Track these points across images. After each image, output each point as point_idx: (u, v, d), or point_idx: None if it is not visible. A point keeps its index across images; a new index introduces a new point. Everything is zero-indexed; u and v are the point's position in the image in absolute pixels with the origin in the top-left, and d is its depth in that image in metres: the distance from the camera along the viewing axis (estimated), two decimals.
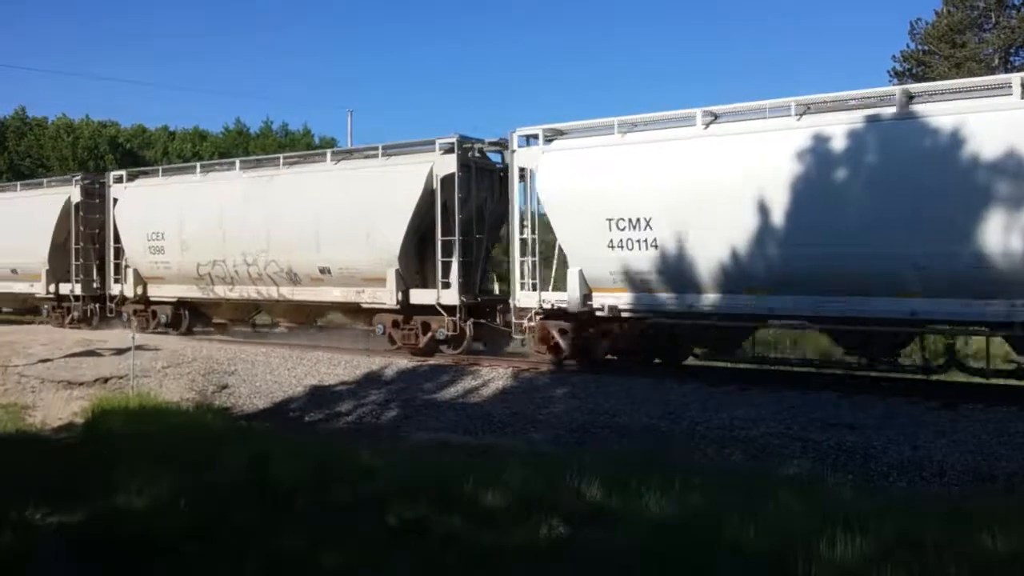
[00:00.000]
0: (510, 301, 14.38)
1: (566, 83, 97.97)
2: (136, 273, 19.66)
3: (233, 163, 18.94)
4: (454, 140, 14.82)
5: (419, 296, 15.21)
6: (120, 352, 16.06)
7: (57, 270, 21.51)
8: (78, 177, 22.06)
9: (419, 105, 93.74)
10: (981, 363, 11.88)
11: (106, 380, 14.72)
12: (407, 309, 15.34)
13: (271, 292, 17.42)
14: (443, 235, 14.79)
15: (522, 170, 14.15)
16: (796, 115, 11.54)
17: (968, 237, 10.10)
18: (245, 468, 7.54)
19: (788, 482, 7.52)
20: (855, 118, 11.07)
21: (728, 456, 9.47)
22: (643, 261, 12.52)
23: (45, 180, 24.01)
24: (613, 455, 8.76)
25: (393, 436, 10.91)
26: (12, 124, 51.41)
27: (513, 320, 14.34)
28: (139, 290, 19.70)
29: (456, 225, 14.62)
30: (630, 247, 12.58)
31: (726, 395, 11.44)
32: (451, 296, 14.75)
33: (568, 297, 13.33)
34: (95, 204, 21.21)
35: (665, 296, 12.61)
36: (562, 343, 13.83)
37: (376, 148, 16.16)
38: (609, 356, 14.12)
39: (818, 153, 11.16)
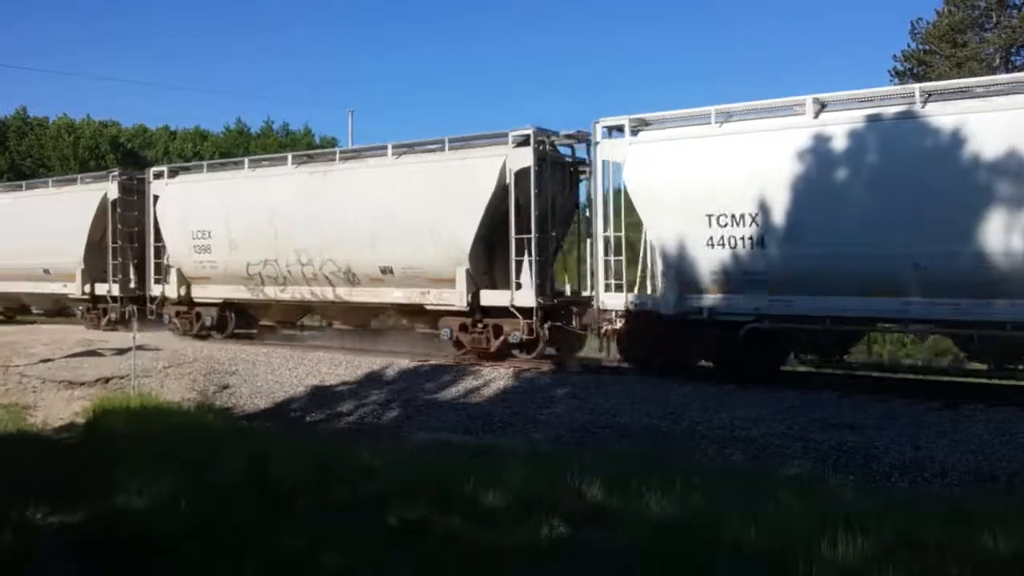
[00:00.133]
0: (593, 303, 13.71)
1: (566, 82, 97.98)
2: (179, 273, 18.84)
3: (284, 158, 18.10)
4: (530, 132, 14.07)
5: (491, 297, 14.47)
6: (121, 352, 16.08)
7: (93, 270, 20.75)
8: (115, 173, 21.22)
9: (420, 105, 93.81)
10: None
11: (107, 380, 14.73)
12: (476, 311, 14.63)
13: (326, 293, 16.62)
14: (517, 232, 14.03)
15: (604, 163, 13.44)
16: (920, 102, 10.77)
17: None
18: (245, 468, 7.54)
19: (789, 482, 7.52)
20: (997, 104, 10.31)
21: (729, 456, 9.46)
22: (747, 260, 11.72)
23: (79, 177, 23.17)
24: (614, 455, 8.75)
25: (394, 436, 10.90)
26: (13, 124, 51.50)
27: (594, 323, 13.68)
28: (182, 291, 18.89)
29: (533, 222, 13.92)
30: (732, 244, 11.80)
31: (726, 395, 11.43)
32: (527, 297, 13.97)
33: (661, 298, 12.58)
34: (133, 201, 20.45)
35: (772, 298, 11.72)
36: (650, 349, 13.05)
37: (441, 141, 15.35)
38: (703, 363, 13.27)
39: (955, 144, 10.31)
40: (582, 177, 15.17)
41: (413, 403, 12.60)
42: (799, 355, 13.13)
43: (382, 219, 15.28)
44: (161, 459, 7.86)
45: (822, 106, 11.58)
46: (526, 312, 14.01)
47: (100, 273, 20.69)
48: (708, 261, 12.07)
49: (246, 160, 18.92)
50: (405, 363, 14.66)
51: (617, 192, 13.56)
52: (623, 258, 13.28)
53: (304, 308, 18.53)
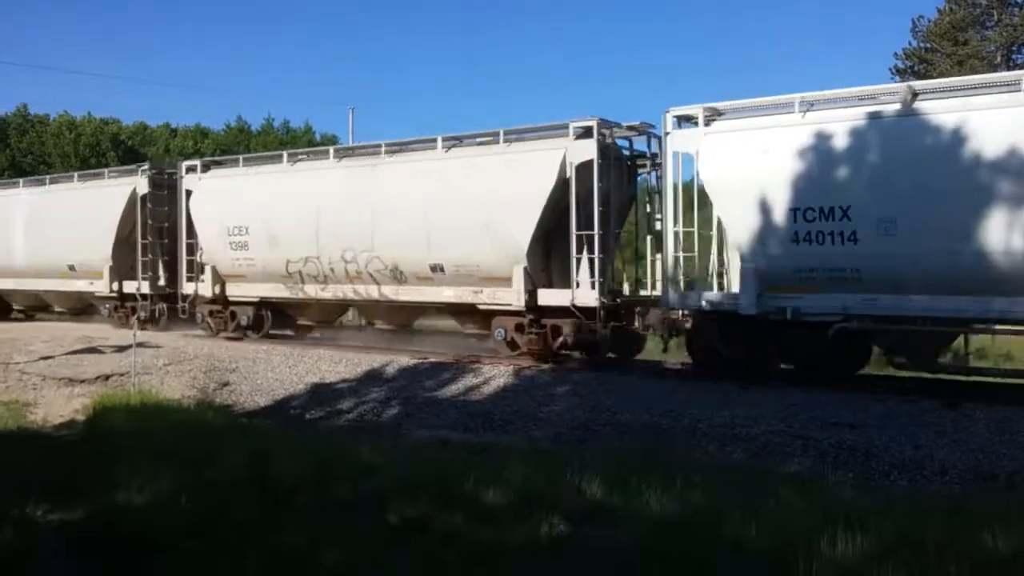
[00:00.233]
0: (661, 302, 13.04)
1: (567, 82, 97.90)
2: (214, 271, 18.04)
3: (326, 151, 17.41)
4: (592, 123, 13.38)
5: (549, 297, 13.78)
6: (121, 349, 16.07)
7: (120, 267, 19.97)
8: (144, 167, 20.45)
9: (419, 105, 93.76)
10: None
11: (107, 377, 14.74)
12: (533, 311, 13.98)
13: (371, 292, 15.91)
14: (578, 229, 13.39)
15: (675, 154, 12.82)
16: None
17: None
18: (246, 465, 7.55)
19: (789, 480, 7.52)
20: None
21: (729, 454, 9.47)
22: (837, 257, 11.07)
23: (106, 171, 22.47)
24: (614, 452, 8.76)
25: (394, 434, 10.91)
26: (14, 121, 51.59)
27: (659, 324, 13.05)
28: (217, 289, 18.10)
29: (595, 218, 13.26)
30: (820, 240, 11.14)
31: (727, 393, 11.43)
32: (588, 296, 13.31)
33: (739, 297, 11.86)
34: (163, 196, 19.67)
35: (863, 297, 11.06)
36: (724, 351, 12.38)
37: (495, 134, 14.66)
38: (784, 366, 12.54)
39: None
40: (640, 171, 14.73)
41: (413, 401, 12.60)
42: (890, 357, 12.47)
43: (433, 215, 14.66)
44: (161, 456, 7.87)
45: (914, 94, 11.01)
46: (588, 312, 13.36)
47: (128, 270, 20.00)
48: (792, 258, 11.46)
49: (284, 154, 18.13)
50: (405, 360, 14.65)
51: (687, 185, 13.05)
52: (695, 255, 12.71)
53: (343, 307, 18.02)
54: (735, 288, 12.14)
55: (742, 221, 11.86)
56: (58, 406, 13.59)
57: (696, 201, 12.90)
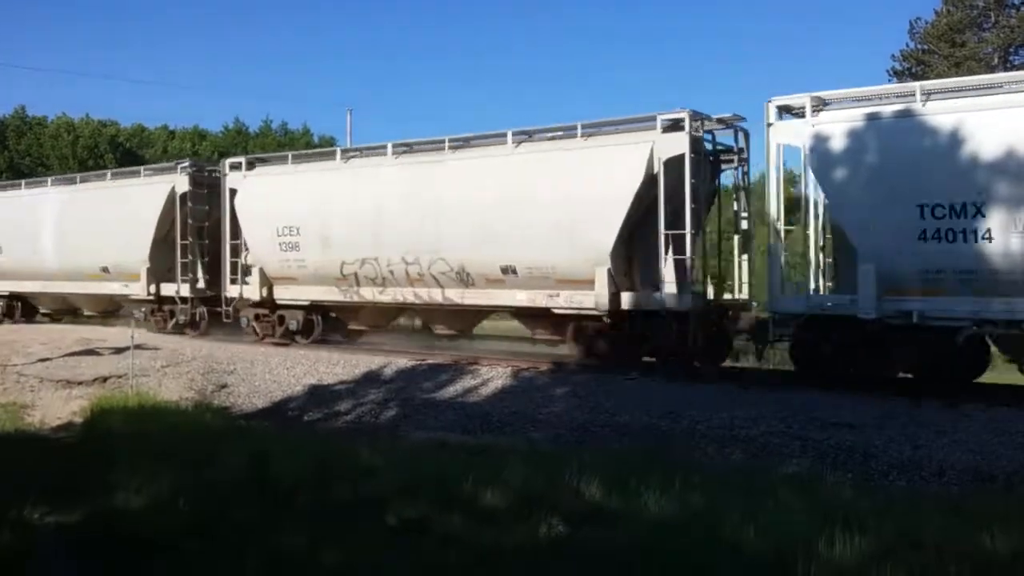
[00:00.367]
0: (769, 305, 12.25)
1: (566, 81, 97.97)
2: (262, 273, 17.28)
3: (383, 148, 16.28)
4: (684, 115, 12.68)
5: (633, 300, 13.01)
6: (119, 351, 16.04)
7: (158, 269, 19.05)
8: (184, 164, 19.59)
9: (419, 105, 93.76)
10: None
11: (105, 379, 14.69)
12: (614, 315, 13.24)
13: (433, 295, 15.11)
14: (667, 228, 12.73)
15: (779, 147, 12.14)
16: None
17: None
18: (245, 466, 7.55)
19: (788, 481, 7.53)
20: None
21: (728, 455, 9.46)
22: (969, 256, 10.35)
23: (142, 169, 21.46)
24: (613, 454, 8.76)
25: (392, 435, 10.90)
26: (12, 123, 51.58)
27: (754, 329, 12.44)
28: (264, 292, 17.31)
29: (687, 216, 12.59)
30: (951, 239, 10.40)
31: (726, 394, 11.43)
32: (679, 299, 12.61)
33: (856, 300, 10.98)
34: (203, 194, 18.85)
35: (1000, 301, 10.31)
36: (836, 358, 11.57)
37: (571, 127, 13.87)
38: (903, 374, 11.89)
39: None
40: (724, 166, 14.06)
41: (411, 402, 12.59)
42: (1020, 365, 11.66)
43: (503, 214, 13.89)
44: (160, 457, 7.86)
45: None
46: (678, 317, 12.64)
47: (165, 272, 19.08)
48: (919, 258, 10.67)
49: (338, 150, 17.38)
50: (403, 362, 14.64)
51: (791, 180, 12.38)
52: (813, 254, 11.94)
53: (396, 311, 17.16)
54: (852, 291, 11.28)
55: (859, 217, 11.12)
56: (56, 408, 13.56)
57: (807, 197, 12.10)
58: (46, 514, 6.43)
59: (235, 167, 18.32)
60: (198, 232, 18.90)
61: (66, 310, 23.16)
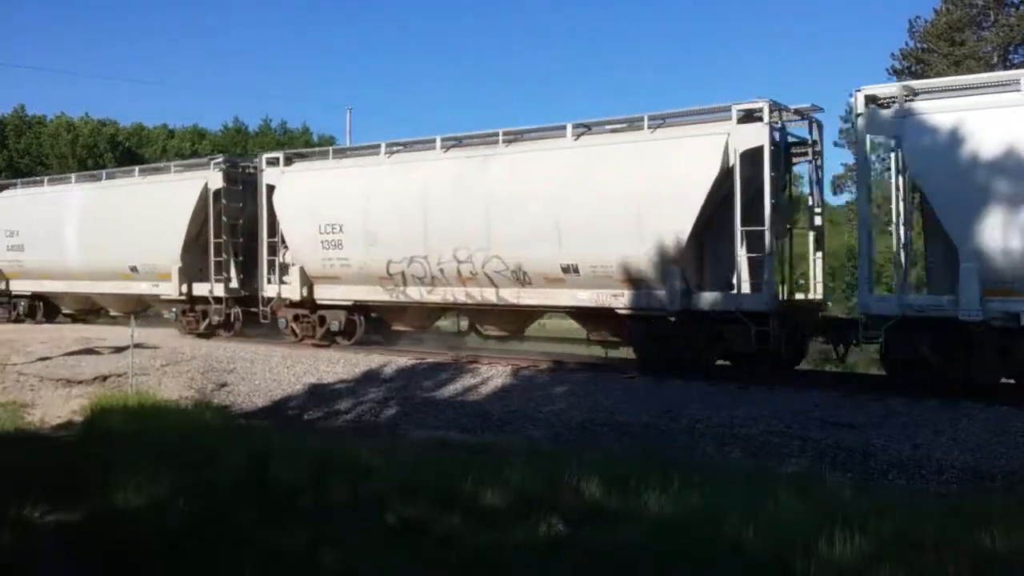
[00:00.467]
0: (860, 306, 11.48)
1: (565, 80, 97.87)
2: (302, 272, 16.52)
3: (432, 141, 15.46)
4: (762, 105, 11.96)
5: (708, 300, 12.35)
6: (119, 350, 16.04)
7: (189, 268, 18.34)
8: (218, 160, 18.73)
9: (419, 105, 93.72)
10: None
11: (105, 378, 14.71)
12: (684, 315, 12.52)
13: (487, 295, 14.38)
14: (744, 224, 12.08)
15: (870, 140, 11.50)
16: None
17: None
18: (245, 466, 7.55)
19: (787, 480, 7.53)
20: None
21: (728, 454, 9.47)
22: None
23: (172, 165, 20.70)
24: (613, 453, 8.76)
25: (392, 434, 10.90)
26: (11, 122, 51.58)
27: (860, 332, 11.58)
28: (304, 291, 16.58)
29: (767, 212, 11.88)
30: None
31: (726, 393, 11.42)
32: (757, 300, 11.97)
33: (957, 301, 10.25)
34: (237, 191, 18.06)
35: None
36: (935, 361, 10.84)
37: (638, 119, 13.11)
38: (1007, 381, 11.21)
39: None
40: (797, 160, 13.39)
41: (411, 401, 12.59)
42: None
43: (563, 210, 13.17)
44: (160, 457, 7.87)
45: None
46: (757, 318, 11.89)
47: (197, 272, 18.34)
48: None
49: (382, 145, 16.32)
50: (403, 361, 14.64)
51: (882, 174, 11.55)
52: (908, 250, 11.27)
53: (441, 312, 16.46)
54: (942, 290, 10.76)
55: (960, 214, 10.41)
56: (56, 407, 13.57)
57: (899, 192, 11.31)
58: (46, 513, 6.43)
59: (272, 163, 17.62)
60: (232, 230, 18.14)
61: (90, 310, 22.52)
